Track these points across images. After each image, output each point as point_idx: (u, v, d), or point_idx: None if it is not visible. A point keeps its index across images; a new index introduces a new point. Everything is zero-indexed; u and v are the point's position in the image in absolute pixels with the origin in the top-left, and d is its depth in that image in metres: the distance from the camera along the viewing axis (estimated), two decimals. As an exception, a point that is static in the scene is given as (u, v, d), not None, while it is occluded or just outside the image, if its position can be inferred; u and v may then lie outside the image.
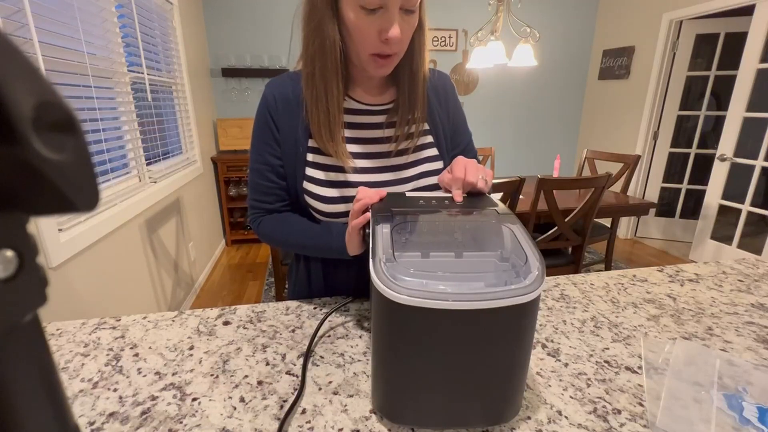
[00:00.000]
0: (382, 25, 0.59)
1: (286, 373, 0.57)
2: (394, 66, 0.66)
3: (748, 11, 2.69)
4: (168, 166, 2.34)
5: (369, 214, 0.57)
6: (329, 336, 0.65)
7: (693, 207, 3.49)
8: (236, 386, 0.54)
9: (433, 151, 0.76)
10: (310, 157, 0.71)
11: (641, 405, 0.51)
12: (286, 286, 2.16)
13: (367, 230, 0.59)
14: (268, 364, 0.58)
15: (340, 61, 0.64)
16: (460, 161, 0.61)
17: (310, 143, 0.71)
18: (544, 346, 0.63)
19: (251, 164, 0.75)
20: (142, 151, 1.99)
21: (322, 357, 0.60)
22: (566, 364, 0.58)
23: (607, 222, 2.53)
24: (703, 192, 3.11)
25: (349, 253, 0.66)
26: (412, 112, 0.72)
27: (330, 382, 0.55)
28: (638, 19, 3.44)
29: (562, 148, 4.21)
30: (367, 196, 0.58)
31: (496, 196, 0.63)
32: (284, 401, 0.51)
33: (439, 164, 0.76)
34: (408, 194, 0.63)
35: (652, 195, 3.55)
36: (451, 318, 0.40)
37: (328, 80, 0.65)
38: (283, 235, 0.74)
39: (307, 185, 0.71)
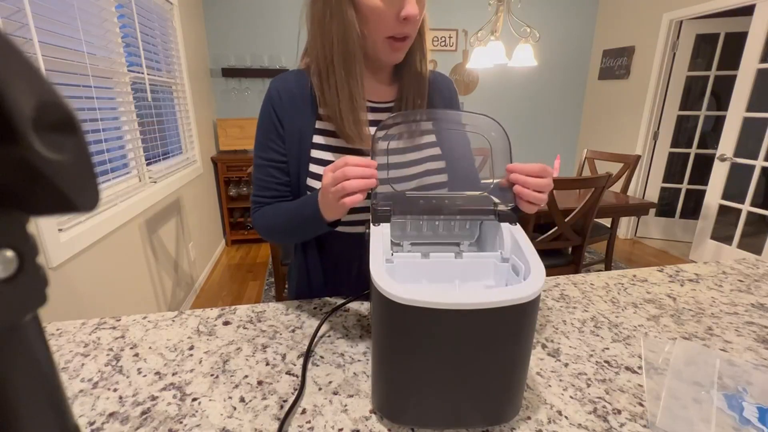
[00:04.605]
0: (400, 4, 0.60)
1: (286, 373, 0.57)
2: (406, 51, 0.67)
3: (748, 11, 2.69)
4: (168, 166, 2.34)
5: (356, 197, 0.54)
6: (329, 336, 0.65)
7: (693, 207, 3.49)
8: (236, 386, 0.54)
9: (437, 150, 0.77)
10: (314, 153, 0.72)
11: (641, 405, 0.51)
12: (286, 286, 2.16)
13: (366, 230, 0.59)
14: (268, 364, 0.58)
15: (359, 44, 0.65)
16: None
17: (315, 139, 0.71)
18: (544, 346, 0.63)
19: (255, 160, 0.75)
20: (142, 151, 1.99)
21: (322, 357, 0.60)
22: (566, 364, 0.58)
23: (607, 222, 2.53)
24: (703, 192, 3.10)
25: (326, 217, 0.61)
26: (417, 107, 0.74)
27: (330, 382, 0.54)
28: (638, 19, 3.44)
29: (562, 148, 4.21)
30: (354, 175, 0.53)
31: (496, 196, 0.63)
32: (284, 401, 0.51)
33: (441, 163, 0.76)
34: (408, 194, 0.63)
35: (652, 195, 3.55)
36: (451, 318, 0.40)
37: (350, 64, 0.65)
38: (270, 223, 0.72)
39: (310, 181, 0.71)
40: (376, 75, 0.74)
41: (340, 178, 0.54)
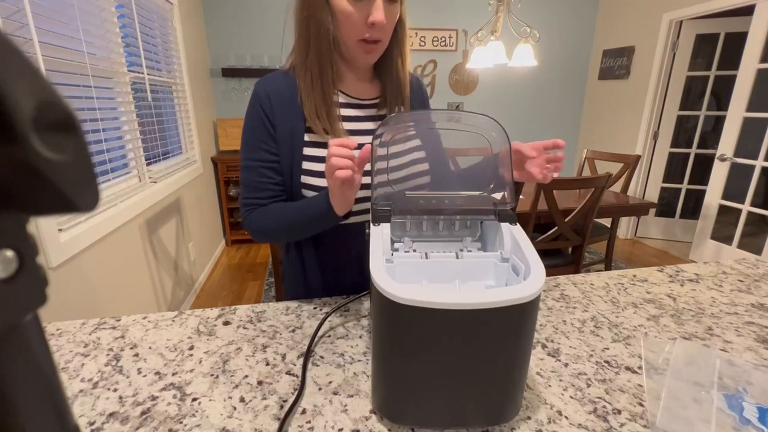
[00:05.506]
0: (369, 10, 0.65)
1: (286, 373, 0.57)
2: (379, 54, 0.72)
3: (748, 11, 2.69)
4: (168, 166, 2.34)
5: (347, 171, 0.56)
6: (329, 336, 0.65)
7: (693, 207, 3.49)
8: (236, 386, 0.54)
9: (418, 142, 0.80)
10: (306, 150, 0.73)
11: (641, 405, 0.51)
12: (286, 286, 2.16)
13: (367, 230, 0.59)
14: (268, 364, 0.58)
15: (332, 45, 0.70)
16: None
17: (307, 137, 0.73)
18: (544, 346, 0.63)
19: (244, 162, 0.76)
20: (142, 151, 1.99)
21: (322, 357, 0.60)
22: (566, 364, 0.58)
23: (607, 222, 2.53)
24: (703, 192, 3.10)
25: (337, 212, 0.64)
26: (399, 104, 0.78)
27: (330, 382, 0.55)
28: (638, 19, 3.44)
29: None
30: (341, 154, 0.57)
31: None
32: (284, 401, 0.51)
33: (422, 153, 0.80)
34: (408, 194, 0.63)
35: (652, 195, 3.55)
36: (451, 318, 0.40)
37: (323, 63, 0.71)
38: (272, 223, 0.73)
39: (305, 178, 0.73)
40: (358, 74, 0.78)
41: (327, 157, 0.59)
